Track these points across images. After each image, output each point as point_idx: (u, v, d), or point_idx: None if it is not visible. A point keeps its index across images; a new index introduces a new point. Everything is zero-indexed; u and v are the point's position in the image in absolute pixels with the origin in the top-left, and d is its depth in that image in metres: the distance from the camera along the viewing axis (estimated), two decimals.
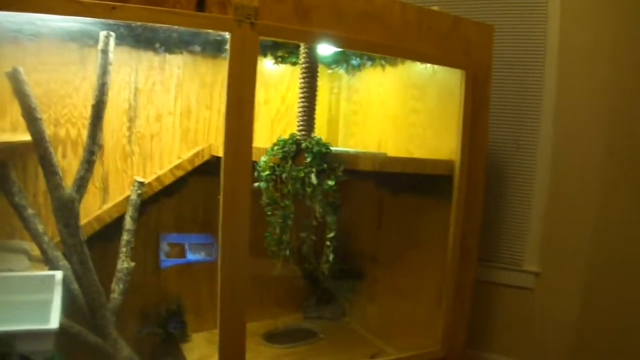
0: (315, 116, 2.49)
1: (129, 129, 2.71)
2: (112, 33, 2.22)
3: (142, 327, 2.72)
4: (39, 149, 2.11)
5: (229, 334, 2.04)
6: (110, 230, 2.59)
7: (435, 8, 2.37)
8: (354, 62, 3.02)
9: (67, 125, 2.55)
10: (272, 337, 2.92)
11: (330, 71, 3.11)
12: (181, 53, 2.77)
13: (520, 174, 3.08)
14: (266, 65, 2.98)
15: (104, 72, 2.23)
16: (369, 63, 2.97)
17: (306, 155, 2.39)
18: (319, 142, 2.41)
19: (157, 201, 2.80)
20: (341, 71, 3.13)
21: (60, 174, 2.17)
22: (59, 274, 2.21)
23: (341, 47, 2.38)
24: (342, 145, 3.15)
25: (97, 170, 2.64)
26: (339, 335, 2.96)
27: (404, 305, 2.67)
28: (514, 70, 3.04)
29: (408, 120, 2.75)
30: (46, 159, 2.13)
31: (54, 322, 1.83)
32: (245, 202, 2.00)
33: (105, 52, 2.22)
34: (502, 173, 3.08)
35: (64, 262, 2.28)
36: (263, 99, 3.02)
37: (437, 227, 2.48)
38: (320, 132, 3.09)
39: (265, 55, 2.94)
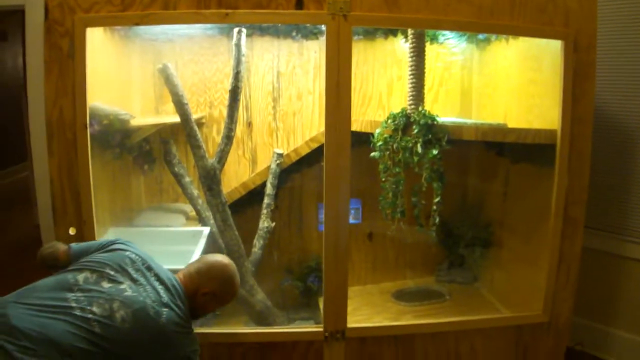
0: (425, 90, 2.69)
1: (274, 107, 3.13)
2: (244, 29, 2.63)
3: (284, 280, 3.13)
4: (186, 127, 2.61)
5: (332, 291, 2.35)
6: (254, 195, 3.03)
7: None
8: (480, 36, 3.10)
9: (220, 106, 3.03)
10: (401, 296, 3.15)
11: (456, 49, 3.21)
12: (317, 39, 3.10)
13: None
14: (400, 44, 3.17)
15: (237, 62, 2.65)
16: (494, 37, 3.03)
17: (414, 126, 2.60)
18: (425, 115, 2.61)
19: (299, 170, 3.17)
20: (472, 45, 3.22)
21: (204, 148, 2.65)
22: (206, 230, 2.73)
23: (431, 29, 2.53)
24: (475, 117, 3.25)
25: (247, 144, 3.11)
26: (465, 299, 3.10)
27: (527, 273, 2.73)
28: (625, 34, 2.89)
29: (527, 92, 2.79)
30: (192, 136, 2.62)
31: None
32: (345, 173, 2.27)
33: (238, 45, 2.64)
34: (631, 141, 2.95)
35: (213, 222, 2.76)
36: (396, 75, 3.23)
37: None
38: (453, 105, 3.27)
39: (395, 35, 3.14)
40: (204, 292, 2.03)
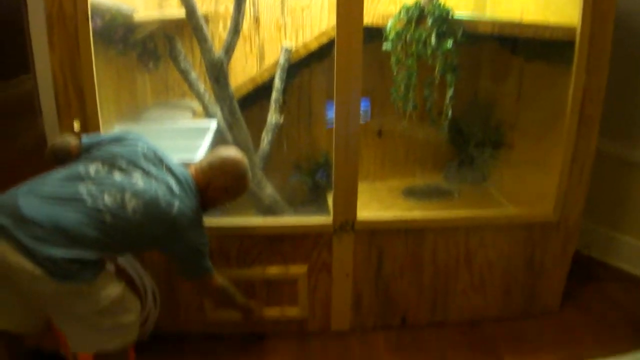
0: None
1: (282, 2, 3.01)
2: None
3: (293, 175, 3.15)
4: (191, 21, 2.53)
5: (342, 184, 2.35)
6: (262, 91, 2.98)
7: None
8: None
9: (225, 2, 2.93)
10: (410, 193, 3.17)
11: None
12: None
13: None
14: None
15: None
16: None
17: (428, 18, 2.52)
18: (439, 7, 2.51)
19: (308, 66, 3.10)
20: None
21: (210, 41, 2.58)
22: (213, 124, 2.71)
23: None
24: (489, 13, 3.12)
25: (254, 40, 3.03)
26: (473, 197, 3.11)
27: (538, 175, 2.71)
28: None
29: None
30: (198, 29, 2.54)
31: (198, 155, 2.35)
32: (357, 68, 2.21)
33: None
34: None
35: (221, 117, 2.73)
36: None
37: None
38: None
39: None
40: (216, 186, 2.03)
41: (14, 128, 5.43)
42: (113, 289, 1.83)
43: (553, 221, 2.55)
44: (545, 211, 2.54)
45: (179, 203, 1.88)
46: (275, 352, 2.51)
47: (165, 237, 1.89)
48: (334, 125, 2.28)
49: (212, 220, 2.30)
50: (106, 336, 1.85)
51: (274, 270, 2.47)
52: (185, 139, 2.66)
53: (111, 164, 1.87)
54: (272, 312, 2.54)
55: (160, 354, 2.47)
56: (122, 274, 2.25)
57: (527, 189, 2.81)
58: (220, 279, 2.12)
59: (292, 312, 2.56)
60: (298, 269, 2.48)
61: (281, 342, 2.56)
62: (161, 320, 2.46)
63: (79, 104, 2.19)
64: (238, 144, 2.70)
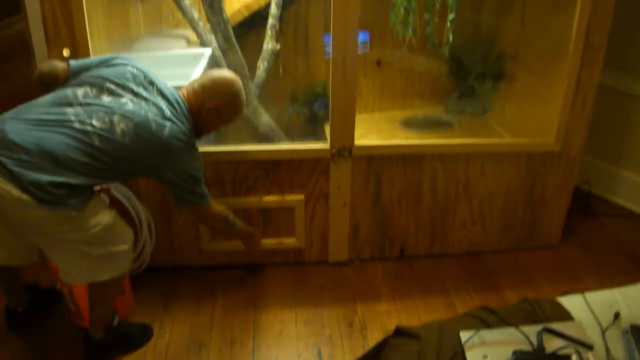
0: None
1: None
2: None
3: (290, 105, 3.07)
4: None
5: (339, 110, 2.27)
6: (258, 18, 2.85)
7: None
8: None
9: None
10: (409, 124, 3.10)
11: None
12: None
13: None
14: None
15: None
16: None
17: None
18: None
19: None
20: None
21: None
22: (208, 51, 2.61)
23: None
24: None
25: None
26: (473, 129, 3.04)
27: (540, 107, 2.63)
28: None
29: None
30: None
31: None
32: None
33: None
34: None
35: (215, 45, 2.63)
36: None
37: None
38: None
39: None
40: (209, 107, 1.96)
41: (7, 70, 5.33)
42: (104, 217, 1.79)
43: (555, 151, 2.49)
44: (547, 141, 2.48)
45: (171, 125, 1.81)
46: (272, 283, 2.50)
47: (157, 162, 1.83)
48: (331, 54, 2.19)
49: (206, 147, 2.26)
50: (97, 266, 1.82)
51: (270, 199, 2.43)
52: (178, 66, 2.56)
53: (100, 86, 1.79)
54: (269, 243, 2.51)
55: (156, 286, 2.46)
56: (116, 206, 2.20)
57: (529, 122, 2.74)
58: (218, 206, 2.07)
59: (289, 242, 2.53)
60: (295, 197, 2.43)
61: (278, 273, 2.55)
62: (157, 252, 2.44)
63: (69, 33, 2.10)
64: (233, 70, 2.60)
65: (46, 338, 2.18)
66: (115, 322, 2.06)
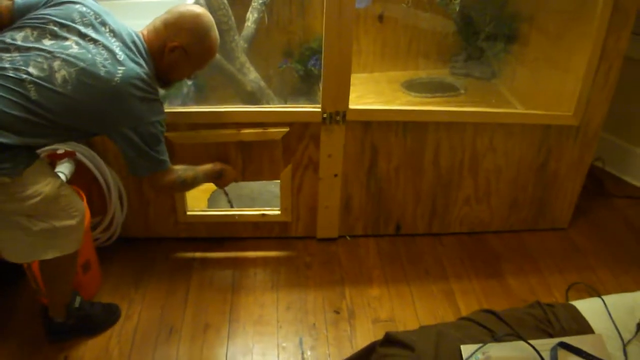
0: None
1: None
2: None
3: (282, 62, 2.79)
4: None
5: (332, 69, 2.01)
6: None
7: None
8: None
9: None
10: (411, 86, 2.86)
11: None
12: None
13: None
14: None
15: None
16: None
17: None
18: None
19: None
20: None
21: None
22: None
23: None
24: None
25: None
26: (481, 94, 2.80)
27: (555, 76, 2.40)
28: None
29: None
30: None
31: None
32: None
33: None
34: None
35: None
36: None
37: None
38: None
39: None
40: (172, 46, 1.65)
41: None
42: (45, 186, 1.54)
43: (573, 125, 2.25)
44: (565, 113, 2.23)
45: (124, 70, 1.52)
46: (253, 261, 2.30)
47: (108, 115, 1.54)
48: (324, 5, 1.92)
49: (178, 108, 2.02)
50: (39, 243, 1.60)
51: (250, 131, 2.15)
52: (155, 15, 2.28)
53: (42, 29, 1.51)
54: (251, 216, 2.31)
55: (128, 260, 2.27)
56: (82, 171, 1.99)
57: (542, 90, 2.51)
58: (177, 169, 1.78)
59: (273, 215, 2.32)
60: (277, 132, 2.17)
61: (260, 249, 2.35)
62: (129, 223, 2.26)
63: None
64: (217, 21, 2.32)
65: (10, 314, 2.00)
66: (77, 303, 1.86)
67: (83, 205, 1.70)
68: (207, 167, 1.95)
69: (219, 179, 2.02)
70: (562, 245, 2.45)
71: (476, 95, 2.80)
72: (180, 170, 1.79)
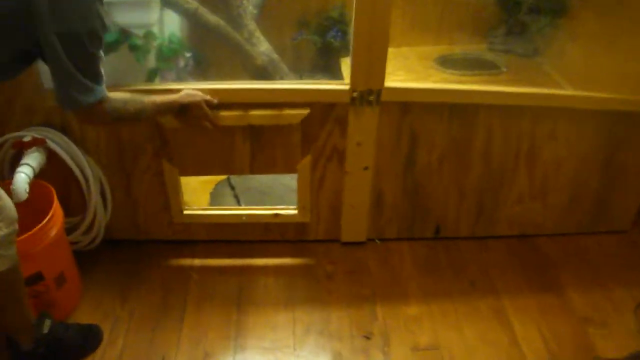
0: None
1: None
2: None
3: (298, 33, 2.52)
4: None
5: (365, 40, 1.70)
6: None
7: None
8: None
9: None
10: (446, 62, 2.59)
11: None
12: None
13: None
14: None
15: None
16: None
17: None
18: None
19: None
20: None
21: None
22: None
23: None
24: None
25: None
26: (525, 74, 2.51)
27: (611, 54, 2.10)
28: None
29: None
30: None
31: None
32: None
33: None
34: None
35: None
36: None
37: None
38: None
39: None
40: None
41: None
42: None
43: None
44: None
45: None
46: (264, 270, 1.99)
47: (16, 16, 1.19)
48: None
49: (176, 83, 1.74)
50: None
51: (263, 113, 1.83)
52: None
53: None
54: (261, 216, 2.03)
55: (114, 268, 1.98)
56: (55, 162, 1.73)
57: (592, 71, 2.20)
58: (115, 100, 1.41)
59: (288, 215, 2.05)
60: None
61: (273, 255, 2.06)
62: (116, 224, 2.01)
63: None
64: None
65: None
66: (46, 328, 1.53)
67: (13, 210, 1.36)
68: (166, 98, 1.58)
69: (182, 114, 1.63)
70: (625, 252, 2.14)
71: (520, 74, 2.51)
72: (119, 101, 1.43)
